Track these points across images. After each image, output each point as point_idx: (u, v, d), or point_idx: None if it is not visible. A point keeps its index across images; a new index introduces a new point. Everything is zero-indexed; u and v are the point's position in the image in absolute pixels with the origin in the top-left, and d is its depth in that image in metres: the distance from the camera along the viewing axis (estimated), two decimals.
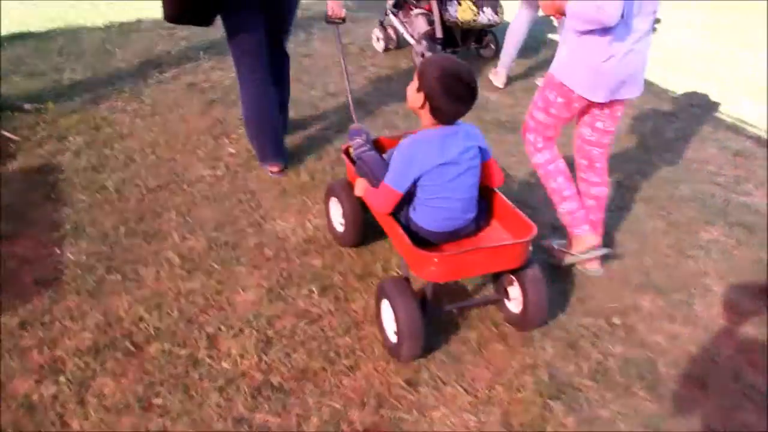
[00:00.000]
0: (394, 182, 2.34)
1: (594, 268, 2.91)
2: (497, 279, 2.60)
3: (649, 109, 4.93)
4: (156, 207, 3.34)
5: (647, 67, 2.63)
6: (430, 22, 5.10)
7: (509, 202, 2.51)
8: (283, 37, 3.57)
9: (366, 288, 2.79)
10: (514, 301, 2.51)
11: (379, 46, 5.73)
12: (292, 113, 4.12)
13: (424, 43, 5.08)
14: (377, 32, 5.73)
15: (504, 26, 5.14)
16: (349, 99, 3.35)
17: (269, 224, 3.23)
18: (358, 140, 2.76)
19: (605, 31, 2.37)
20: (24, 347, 2.43)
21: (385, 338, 2.41)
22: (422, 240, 2.38)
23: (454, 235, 2.46)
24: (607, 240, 3.09)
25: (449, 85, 2.22)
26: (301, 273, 2.90)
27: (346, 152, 2.89)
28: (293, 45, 4.58)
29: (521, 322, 2.50)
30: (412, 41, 5.32)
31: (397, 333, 2.27)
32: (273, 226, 3.22)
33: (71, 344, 2.45)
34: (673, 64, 6.08)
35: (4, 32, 6.13)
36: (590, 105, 2.64)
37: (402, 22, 5.44)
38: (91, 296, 2.71)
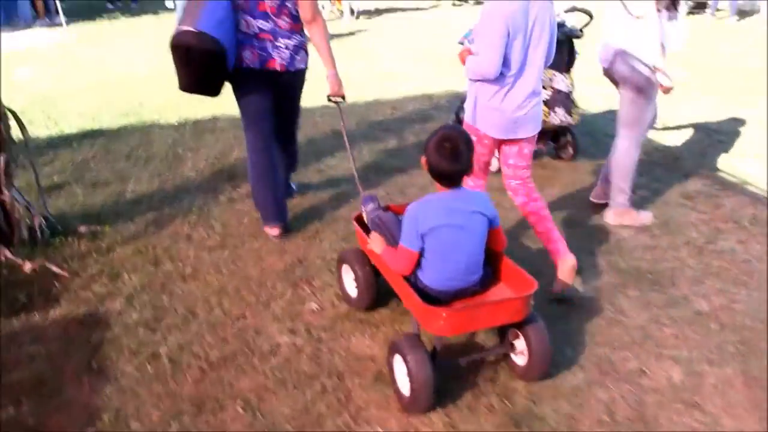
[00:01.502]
0: (408, 242, 2.50)
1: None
2: (503, 333, 2.65)
3: None
4: (218, 392, 2.60)
5: None
6: None
7: (512, 262, 2.68)
8: (292, 119, 3.86)
9: None
10: (520, 354, 2.59)
11: None
12: None
13: None
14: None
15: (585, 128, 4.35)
16: (354, 172, 3.46)
17: (362, 430, 2.44)
18: (372, 206, 2.97)
19: (493, 80, 2.94)
20: None
21: (399, 393, 2.48)
22: (430, 298, 2.51)
23: (459, 295, 2.58)
24: None
25: (440, 146, 2.45)
26: None
27: (358, 220, 3.03)
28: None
29: (526, 374, 2.58)
30: None
31: (410, 387, 2.37)
32: None
33: None
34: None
35: (76, 129, 5.75)
36: (498, 143, 3.16)
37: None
38: None
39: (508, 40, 2.86)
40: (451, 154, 2.44)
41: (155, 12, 12.83)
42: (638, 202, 4.11)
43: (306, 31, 3.55)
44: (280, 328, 3.00)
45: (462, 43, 3.79)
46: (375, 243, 2.75)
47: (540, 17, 2.91)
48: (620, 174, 3.94)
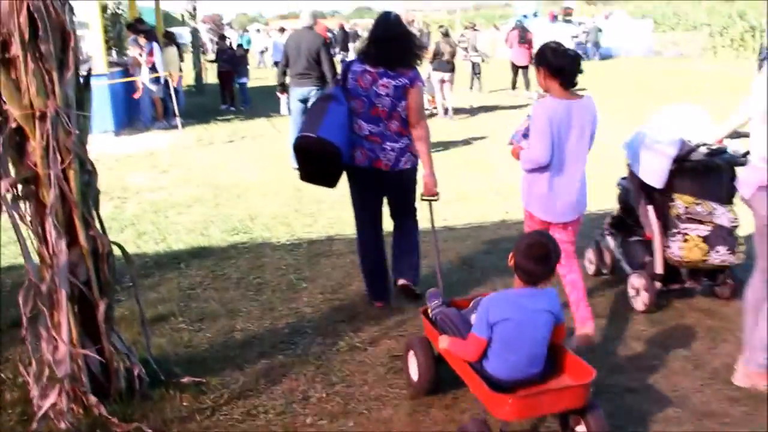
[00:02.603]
0: (478, 331, 2.67)
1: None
2: (565, 420, 2.73)
3: None
4: None
5: None
6: (650, 252, 4.18)
7: (571, 353, 2.83)
8: (403, 210, 4.11)
9: None
10: None
11: (590, 268, 4.74)
12: None
13: (641, 278, 4.11)
14: (590, 254, 4.76)
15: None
16: (438, 268, 3.63)
17: None
18: (436, 302, 3.18)
19: (543, 169, 3.44)
20: None
21: None
22: (494, 386, 2.61)
23: (520, 384, 2.67)
24: None
25: (532, 248, 2.67)
26: None
27: (425, 313, 3.22)
28: None
29: None
30: (627, 269, 4.36)
31: None
32: None
33: None
34: None
35: (184, 245, 5.42)
36: (547, 224, 3.57)
37: (620, 247, 4.51)
38: None
39: (553, 133, 3.35)
40: (541, 258, 2.66)
41: (268, 116, 13.02)
42: None
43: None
44: None
45: (511, 144, 3.88)
46: (443, 340, 2.89)
47: (581, 115, 3.42)
48: (753, 318, 3.17)
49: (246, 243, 5.47)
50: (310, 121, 3.79)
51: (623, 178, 4.70)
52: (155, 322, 4.00)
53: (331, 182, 3.98)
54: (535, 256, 2.65)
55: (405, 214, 4.11)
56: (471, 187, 7.13)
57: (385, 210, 4.15)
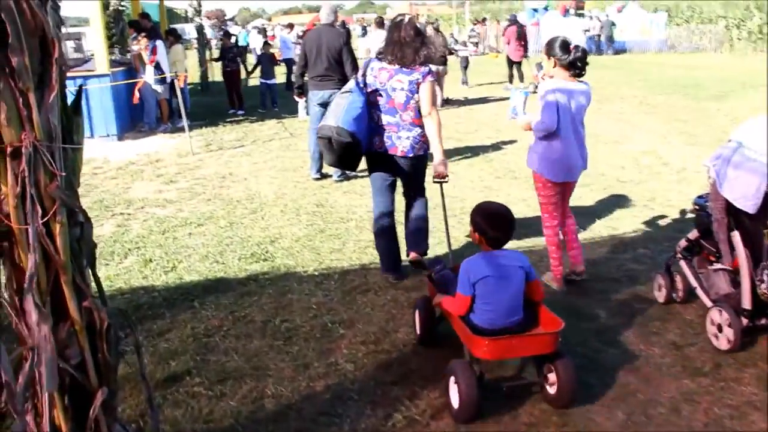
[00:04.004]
0: (462, 289, 3.11)
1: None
2: (541, 369, 3.10)
3: None
4: None
5: None
6: (735, 284, 3.68)
7: (547, 309, 3.22)
8: (415, 190, 4.56)
9: None
10: (552, 385, 3.03)
11: (660, 295, 4.22)
12: None
13: (724, 312, 3.57)
14: (660, 279, 4.24)
15: None
16: (447, 240, 4.07)
17: None
18: (438, 267, 3.67)
19: (552, 138, 4.16)
20: None
21: (450, 405, 3.01)
22: (479, 333, 3.05)
23: (503, 332, 3.05)
24: None
25: (495, 219, 3.19)
26: None
27: (429, 277, 3.69)
28: None
29: (556, 401, 3.03)
30: (705, 301, 3.86)
31: (459, 402, 2.92)
32: None
33: None
34: None
35: (198, 275, 4.72)
36: (556, 185, 4.28)
37: (695, 274, 4.03)
38: None
39: (558, 106, 4.08)
40: (506, 225, 3.17)
41: (279, 117, 12.31)
42: None
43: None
44: None
45: (514, 118, 4.51)
46: (437, 298, 3.41)
47: (578, 96, 4.19)
48: None
49: (267, 273, 4.77)
50: (331, 113, 4.22)
51: (701, 197, 4.12)
52: (168, 384, 3.31)
53: (351, 166, 4.52)
54: (498, 223, 3.16)
55: (416, 193, 4.57)
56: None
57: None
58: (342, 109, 4.14)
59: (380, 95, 4.27)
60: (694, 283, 4.00)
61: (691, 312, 4.04)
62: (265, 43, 14.69)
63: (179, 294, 4.46)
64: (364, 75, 4.34)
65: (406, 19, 4.36)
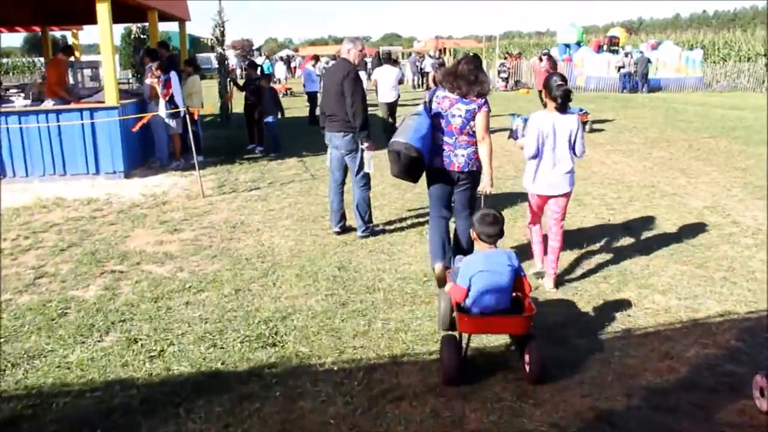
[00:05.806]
0: (461, 282, 3.73)
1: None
2: (522, 349, 3.69)
3: None
4: None
5: None
6: None
7: (530, 301, 3.75)
8: (464, 205, 5.17)
9: None
10: (527, 364, 3.59)
11: (762, 404, 3.42)
12: None
13: None
14: (761, 381, 3.44)
15: None
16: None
17: None
18: (458, 264, 4.06)
19: (537, 159, 4.92)
20: None
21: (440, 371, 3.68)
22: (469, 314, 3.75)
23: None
24: None
25: (486, 218, 3.86)
26: None
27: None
28: None
29: (528, 379, 3.59)
30: None
31: (443, 366, 3.59)
32: None
33: None
34: None
35: (189, 365, 3.80)
36: (541, 198, 5.06)
37: None
38: None
39: (539, 135, 4.87)
40: (494, 222, 3.84)
41: (300, 156, 11.50)
42: None
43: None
44: None
45: (515, 139, 5.56)
46: (447, 286, 4.02)
47: (562, 125, 4.88)
48: None
49: (275, 366, 3.83)
50: (401, 131, 4.91)
51: None
52: None
53: (414, 178, 5.10)
54: (490, 222, 3.84)
55: (465, 208, 5.13)
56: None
57: None
58: (411, 129, 4.84)
59: (442, 119, 4.95)
60: None
61: None
62: (265, 75, 12.83)
63: (163, 394, 3.53)
64: (430, 101, 5.05)
65: (469, 56, 5.10)
